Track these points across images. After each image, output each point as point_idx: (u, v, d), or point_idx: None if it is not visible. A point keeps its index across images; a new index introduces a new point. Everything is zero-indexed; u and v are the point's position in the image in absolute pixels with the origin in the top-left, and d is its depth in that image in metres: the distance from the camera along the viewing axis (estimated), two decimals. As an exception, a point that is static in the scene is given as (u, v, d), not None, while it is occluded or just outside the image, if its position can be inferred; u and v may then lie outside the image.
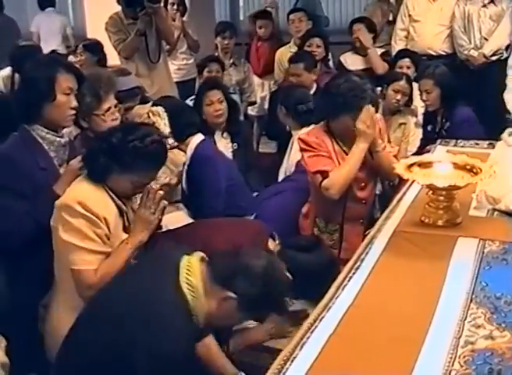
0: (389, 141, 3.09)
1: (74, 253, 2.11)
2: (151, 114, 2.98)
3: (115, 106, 2.80)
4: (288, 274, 2.09)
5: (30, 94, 2.38)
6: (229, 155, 3.68)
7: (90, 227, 2.10)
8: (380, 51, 5.25)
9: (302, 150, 2.82)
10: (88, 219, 2.10)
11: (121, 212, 2.23)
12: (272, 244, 2.46)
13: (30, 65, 2.53)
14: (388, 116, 4.43)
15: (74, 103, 2.44)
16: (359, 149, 2.70)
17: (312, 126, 3.19)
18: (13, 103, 2.52)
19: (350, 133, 2.75)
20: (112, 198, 2.20)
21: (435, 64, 4.19)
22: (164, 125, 2.98)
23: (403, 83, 4.33)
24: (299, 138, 2.89)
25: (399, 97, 4.27)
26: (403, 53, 4.90)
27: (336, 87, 2.76)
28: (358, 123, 2.66)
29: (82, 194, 2.14)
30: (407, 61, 4.72)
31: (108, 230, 2.14)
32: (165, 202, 2.28)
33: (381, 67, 4.94)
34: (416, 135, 4.24)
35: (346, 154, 2.79)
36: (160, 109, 3.08)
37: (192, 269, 1.83)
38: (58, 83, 2.38)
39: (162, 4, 5.08)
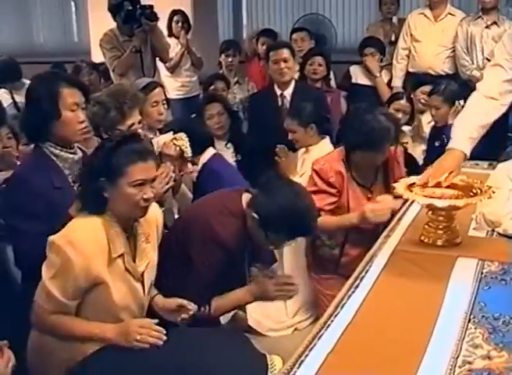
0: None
1: (43, 289, 2.04)
2: (175, 141, 3.00)
3: (139, 122, 2.78)
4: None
5: (35, 114, 2.33)
6: (232, 163, 3.75)
7: (67, 276, 2.00)
8: (386, 78, 5.32)
9: (313, 178, 2.89)
10: (68, 266, 1.99)
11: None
12: (246, 197, 2.42)
13: (32, 82, 2.48)
14: None
15: (82, 117, 2.38)
16: (349, 222, 2.77)
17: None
18: (21, 123, 2.50)
19: (368, 168, 2.86)
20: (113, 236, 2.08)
21: (446, 82, 4.23)
22: (187, 148, 3.01)
23: (403, 102, 4.38)
24: (314, 169, 2.93)
25: (400, 116, 4.32)
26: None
27: (362, 123, 2.76)
28: (368, 211, 2.66)
29: (73, 234, 2.03)
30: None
31: (84, 280, 2.02)
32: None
33: (386, 95, 4.99)
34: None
35: (359, 184, 2.87)
36: (183, 135, 3.11)
37: None
38: (63, 99, 2.33)
39: (167, 22, 5.15)
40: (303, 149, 3.92)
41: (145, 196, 2.09)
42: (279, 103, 4.30)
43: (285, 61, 4.24)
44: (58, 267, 2.01)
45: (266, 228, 2.24)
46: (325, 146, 3.82)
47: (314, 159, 3.74)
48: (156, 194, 2.61)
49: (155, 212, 2.31)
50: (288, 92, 4.30)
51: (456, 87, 4.14)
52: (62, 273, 2.01)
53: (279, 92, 4.31)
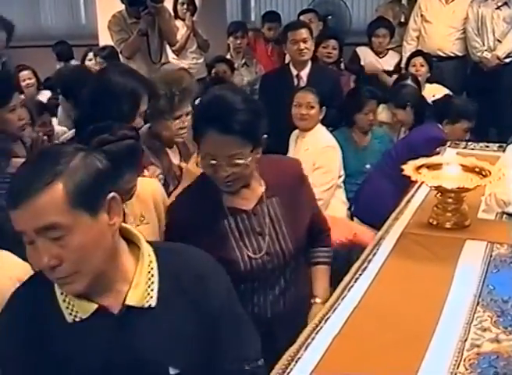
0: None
1: None
2: None
3: (187, 114, 2.67)
4: None
5: (109, 110, 2.21)
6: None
7: None
8: (396, 59, 5.30)
9: None
10: None
11: None
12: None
13: (114, 75, 2.39)
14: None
15: (141, 124, 2.40)
16: None
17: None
18: (79, 116, 2.43)
19: None
20: None
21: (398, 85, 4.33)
22: None
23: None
24: None
25: None
26: (417, 52, 4.97)
27: None
28: None
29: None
30: (420, 59, 4.77)
31: None
32: None
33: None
34: None
35: None
36: None
37: None
38: (141, 106, 2.33)
39: (172, 3, 5.09)
40: (296, 131, 3.84)
41: None
42: (295, 83, 4.27)
43: (304, 41, 4.21)
44: None
45: None
46: (320, 132, 3.75)
47: (307, 146, 3.69)
48: None
49: (150, 189, 2.15)
50: (304, 72, 4.27)
51: (408, 90, 4.18)
52: None
53: (295, 72, 4.28)
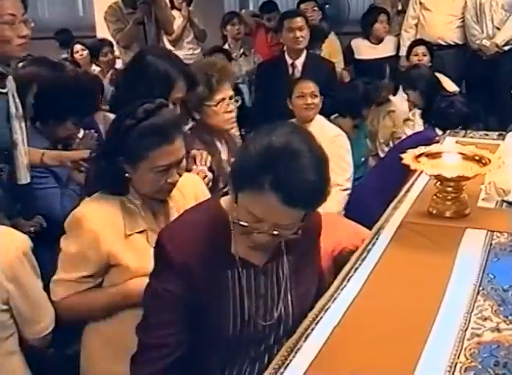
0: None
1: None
2: None
3: (231, 98, 2.55)
4: None
5: (139, 94, 2.08)
6: (237, 141, 3.68)
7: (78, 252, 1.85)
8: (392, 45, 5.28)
9: None
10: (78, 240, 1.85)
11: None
12: None
13: (148, 56, 2.28)
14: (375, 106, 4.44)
15: (177, 111, 2.25)
16: None
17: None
18: (120, 96, 2.37)
19: None
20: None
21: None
22: None
23: None
24: None
25: None
26: (419, 41, 4.96)
27: None
28: None
29: (83, 209, 1.91)
30: (422, 48, 4.76)
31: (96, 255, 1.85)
32: None
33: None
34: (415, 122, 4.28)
35: None
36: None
37: None
38: (174, 91, 2.22)
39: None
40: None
41: (169, 180, 1.86)
42: (290, 72, 4.25)
43: (300, 29, 4.21)
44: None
45: None
46: (322, 122, 3.72)
47: None
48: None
49: (192, 183, 2.08)
50: (299, 61, 4.26)
51: (418, 72, 4.18)
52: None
53: (290, 61, 4.27)
